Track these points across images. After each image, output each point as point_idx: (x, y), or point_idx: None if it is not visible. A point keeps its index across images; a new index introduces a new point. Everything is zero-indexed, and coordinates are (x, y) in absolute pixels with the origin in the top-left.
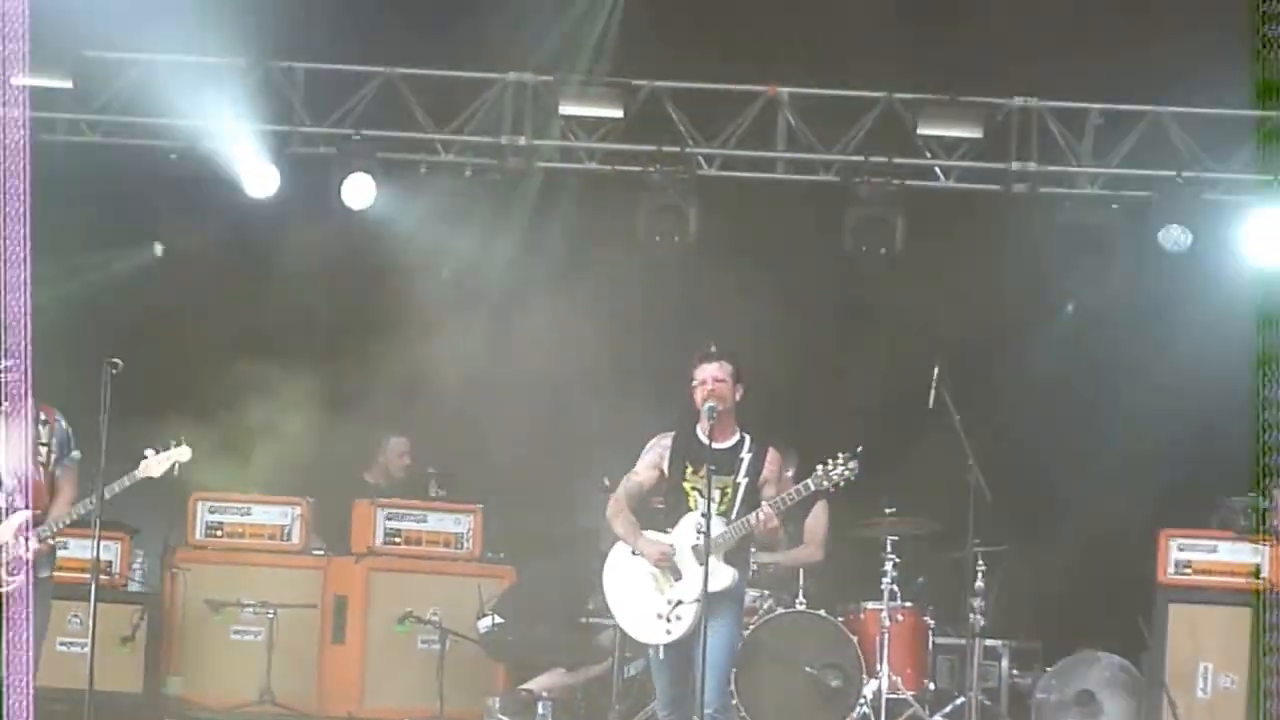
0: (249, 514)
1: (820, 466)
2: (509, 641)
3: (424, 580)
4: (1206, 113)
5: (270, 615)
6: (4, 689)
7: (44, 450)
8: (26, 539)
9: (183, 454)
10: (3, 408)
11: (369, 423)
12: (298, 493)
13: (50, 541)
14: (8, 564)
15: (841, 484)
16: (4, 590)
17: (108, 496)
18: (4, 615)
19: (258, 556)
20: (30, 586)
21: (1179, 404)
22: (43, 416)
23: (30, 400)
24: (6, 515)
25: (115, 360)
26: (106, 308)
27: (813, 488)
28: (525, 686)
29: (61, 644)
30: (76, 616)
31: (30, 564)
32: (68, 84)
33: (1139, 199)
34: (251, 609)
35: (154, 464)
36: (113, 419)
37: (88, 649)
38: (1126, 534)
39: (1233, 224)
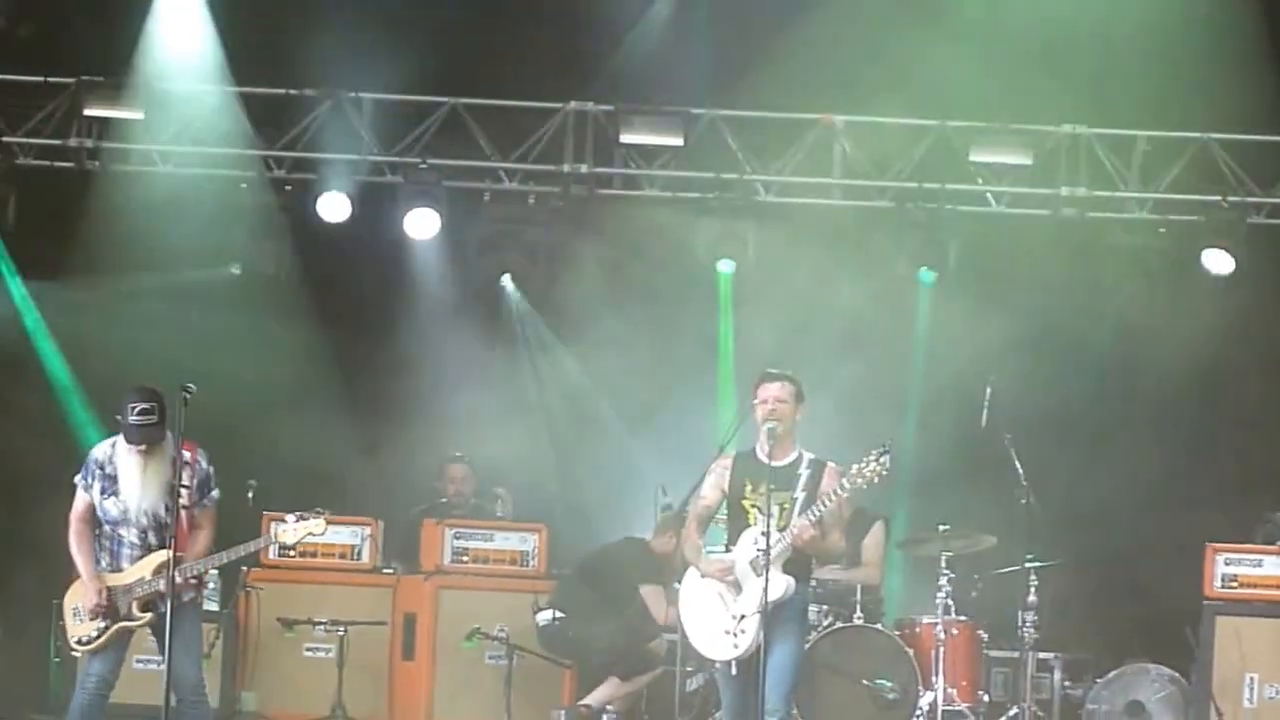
0: (321, 534)
1: (855, 465)
2: (569, 637)
3: (491, 597)
4: (1252, 139)
5: (341, 633)
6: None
7: (184, 492)
8: (171, 578)
9: (318, 526)
10: (141, 449)
11: (434, 445)
12: (367, 512)
13: (191, 579)
14: (143, 600)
15: (875, 480)
16: (134, 626)
17: (244, 554)
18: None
19: (329, 575)
20: (170, 612)
21: (1225, 422)
22: (186, 457)
23: (170, 442)
24: (145, 554)
25: (189, 386)
26: (184, 324)
27: (848, 487)
28: (584, 702)
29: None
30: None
31: (168, 597)
32: (139, 115)
33: (1186, 223)
34: (323, 627)
35: (289, 531)
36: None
37: (164, 666)
38: (1174, 549)
39: (1276, 245)
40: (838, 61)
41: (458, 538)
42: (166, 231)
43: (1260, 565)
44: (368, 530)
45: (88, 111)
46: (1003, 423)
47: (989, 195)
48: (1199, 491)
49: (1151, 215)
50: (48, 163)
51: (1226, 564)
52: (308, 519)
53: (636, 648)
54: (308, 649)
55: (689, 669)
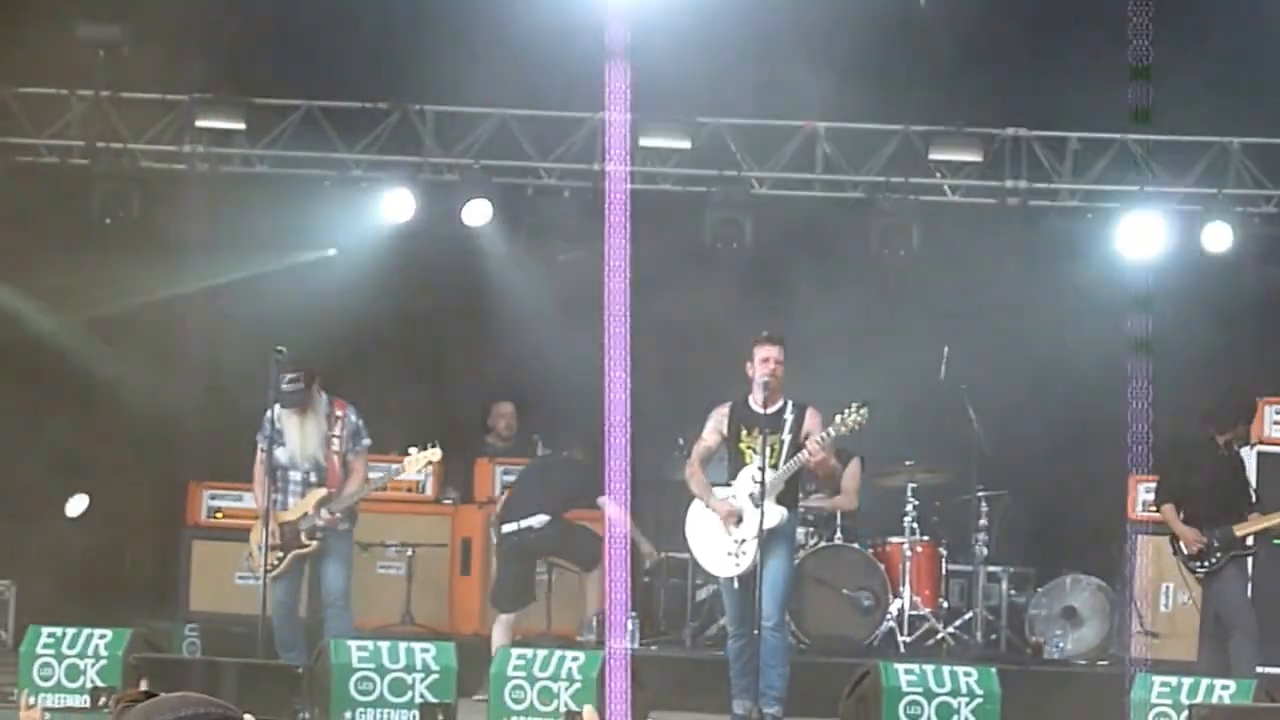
0: (437, 460)
1: (838, 415)
2: (560, 541)
3: None
4: (1164, 139)
5: (409, 553)
6: (325, 614)
7: (336, 441)
8: (327, 512)
9: (435, 455)
10: (294, 409)
11: (487, 393)
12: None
13: (338, 514)
14: (307, 531)
15: (856, 427)
16: (304, 553)
17: (376, 488)
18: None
19: (399, 505)
20: (335, 539)
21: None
22: (337, 413)
23: (322, 400)
24: (307, 492)
25: (281, 348)
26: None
27: (832, 434)
28: (594, 611)
29: (240, 578)
30: (252, 556)
31: (328, 528)
32: (241, 126)
33: (1109, 210)
34: (394, 548)
35: (412, 462)
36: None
37: (261, 582)
38: (1103, 478)
39: (1186, 230)
40: (819, 76)
41: (505, 473)
42: (264, 222)
43: None
44: (431, 468)
45: (199, 123)
46: (958, 376)
47: (946, 187)
48: (1123, 430)
49: (1081, 203)
50: (166, 166)
51: (1146, 491)
52: (425, 450)
53: (592, 543)
54: (381, 567)
55: (698, 583)
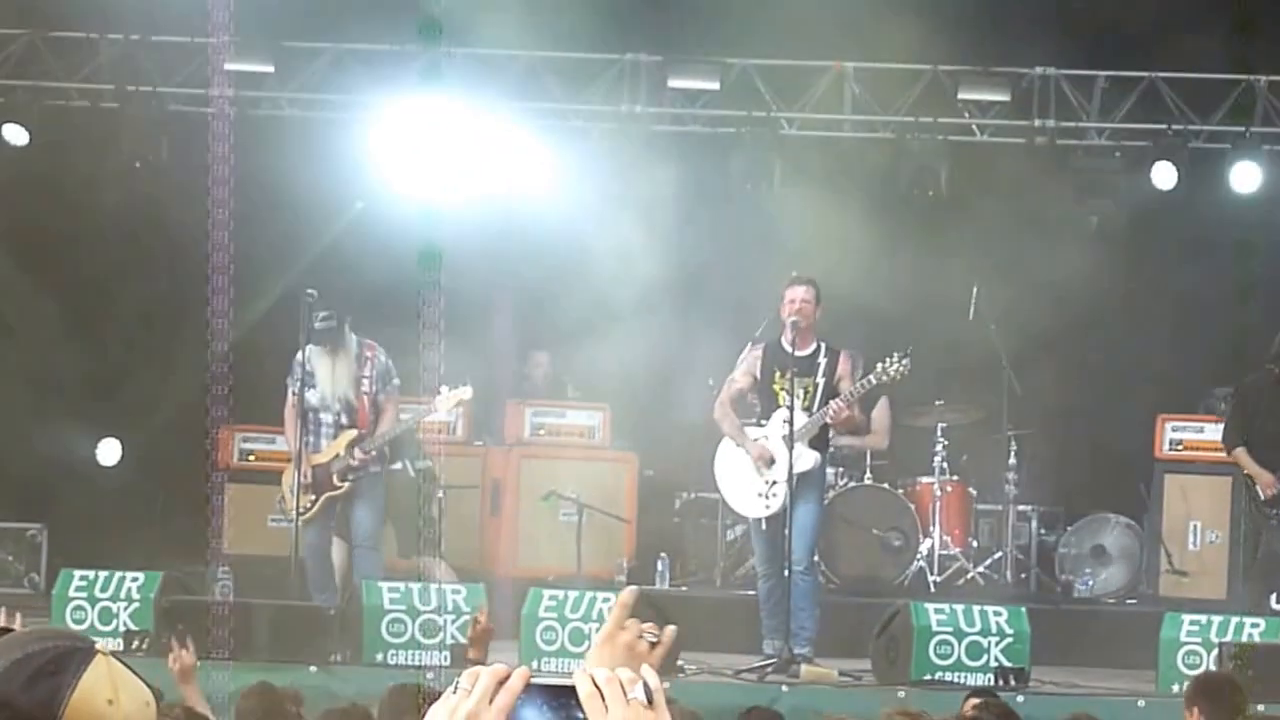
0: (468, 399)
1: (879, 364)
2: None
3: (563, 464)
4: (1191, 76)
5: (441, 495)
6: (354, 555)
7: (366, 381)
8: (360, 451)
9: (466, 393)
10: (326, 349)
11: (517, 339)
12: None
13: (372, 453)
14: (339, 472)
15: (898, 378)
16: (336, 495)
17: (407, 429)
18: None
19: (431, 447)
20: (366, 480)
21: (1172, 311)
22: (367, 354)
23: (353, 340)
24: (339, 434)
25: (311, 290)
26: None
27: (874, 381)
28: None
29: (273, 520)
30: (283, 499)
31: (360, 469)
32: (270, 68)
33: (1137, 148)
34: None
35: (443, 401)
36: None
37: (292, 524)
38: (1130, 418)
39: (1214, 167)
40: (848, 16)
41: (535, 415)
42: (293, 164)
43: (1202, 431)
44: (461, 410)
45: (227, 66)
46: (987, 315)
47: (974, 127)
48: (1150, 370)
49: (1108, 142)
50: (195, 109)
51: (1174, 430)
52: (456, 389)
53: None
54: None
55: (728, 523)
